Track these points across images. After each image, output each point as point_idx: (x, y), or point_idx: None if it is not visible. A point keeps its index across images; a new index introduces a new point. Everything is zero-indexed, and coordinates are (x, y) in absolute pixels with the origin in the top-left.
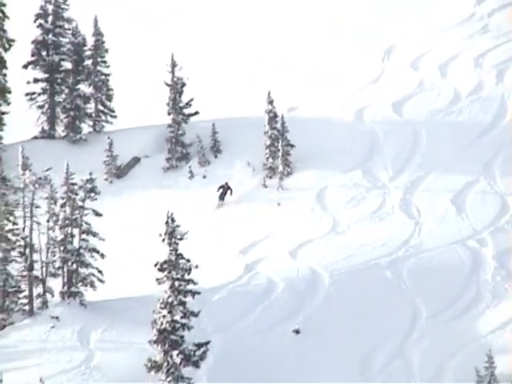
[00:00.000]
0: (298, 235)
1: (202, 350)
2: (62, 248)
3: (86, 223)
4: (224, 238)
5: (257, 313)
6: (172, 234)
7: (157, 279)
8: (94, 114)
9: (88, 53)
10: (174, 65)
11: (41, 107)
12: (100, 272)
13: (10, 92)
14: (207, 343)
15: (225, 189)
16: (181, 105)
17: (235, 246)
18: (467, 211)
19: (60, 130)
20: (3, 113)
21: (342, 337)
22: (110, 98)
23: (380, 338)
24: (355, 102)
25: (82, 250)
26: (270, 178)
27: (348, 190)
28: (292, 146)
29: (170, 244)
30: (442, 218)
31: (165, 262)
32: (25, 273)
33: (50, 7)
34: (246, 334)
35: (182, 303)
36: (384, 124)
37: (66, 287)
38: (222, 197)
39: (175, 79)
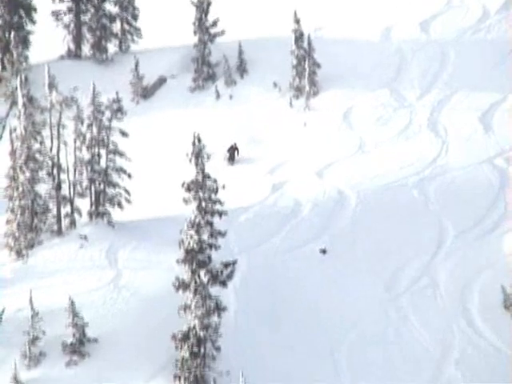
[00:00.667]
0: (325, 155)
1: (230, 269)
2: (89, 168)
3: (113, 143)
4: (251, 159)
5: (283, 233)
6: (199, 155)
7: (184, 199)
8: (119, 34)
9: None
10: None
11: (67, 26)
12: (127, 192)
13: (35, 10)
14: (234, 263)
15: (233, 149)
16: (207, 24)
17: (262, 167)
18: (495, 130)
19: (86, 49)
20: (29, 32)
21: (369, 256)
22: (135, 17)
23: (406, 257)
24: (382, 21)
25: (109, 170)
26: (297, 98)
27: (375, 109)
28: (318, 65)
29: (196, 164)
30: (470, 136)
31: (192, 182)
32: (53, 193)
33: None
34: (273, 253)
35: (209, 223)
36: (411, 43)
37: (93, 207)
38: (231, 157)
39: None
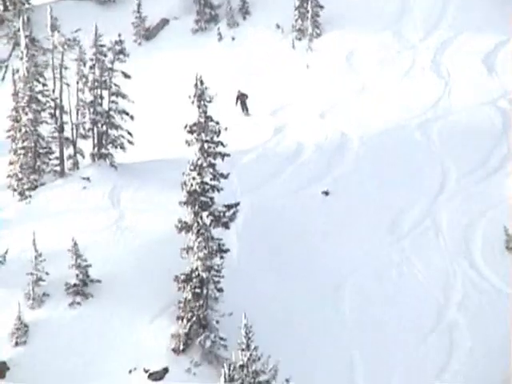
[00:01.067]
0: (327, 97)
1: (232, 211)
2: (91, 110)
3: (115, 85)
4: (253, 101)
5: (286, 175)
6: (201, 97)
7: (186, 141)
8: None
9: None
10: None
11: None
12: (130, 134)
13: None
14: (237, 204)
15: (242, 97)
16: None
17: (264, 108)
18: (498, 72)
19: None
20: None
21: (372, 198)
22: None
23: (409, 200)
24: None
25: (111, 112)
26: (299, 40)
27: (378, 51)
28: (321, 7)
29: (199, 106)
30: (473, 78)
31: (194, 124)
32: (55, 134)
33: None
34: (276, 195)
35: (212, 165)
36: None
37: (96, 149)
38: (244, 107)
39: None
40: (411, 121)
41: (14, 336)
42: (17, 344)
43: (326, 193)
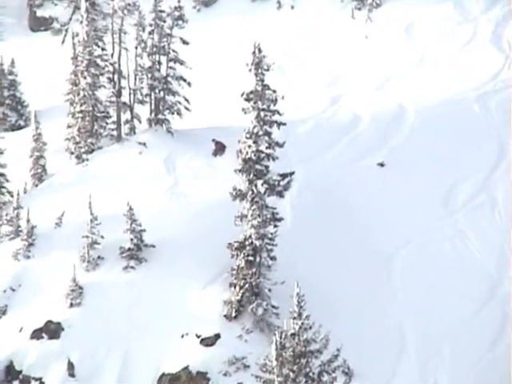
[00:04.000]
0: (385, 69)
1: (287, 180)
2: (149, 75)
3: (174, 51)
4: (310, 71)
5: (341, 145)
6: (259, 65)
7: (242, 109)
8: None
9: None
10: None
11: None
12: (187, 100)
13: None
14: (291, 174)
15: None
16: None
17: (321, 78)
18: None
19: None
20: None
21: (427, 170)
22: None
23: (465, 172)
24: None
25: (169, 78)
26: (359, 10)
27: (437, 22)
28: None
29: (256, 74)
30: None
31: (251, 92)
32: (113, 99)
33: None
34: (331, 165)
35: (268, 133)
36: None
37: (153, 114)
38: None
39: None
40: (469, 93)
41: (69, 297)
42: (71, 305)
43: (382, 164)
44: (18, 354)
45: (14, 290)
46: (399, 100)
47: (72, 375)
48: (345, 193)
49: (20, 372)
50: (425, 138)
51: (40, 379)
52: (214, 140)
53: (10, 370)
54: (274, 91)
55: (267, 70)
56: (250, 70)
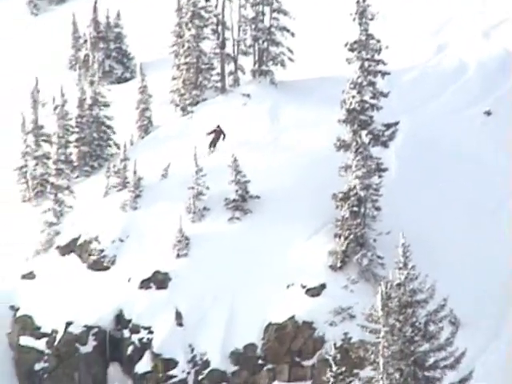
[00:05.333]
0: (492, 15)
1: (391, 130)
2: (253, 26)
3: (277, 1)
4: (415, 19)
5: (447, 94)
6: (363, 14)
7: (347, 59)
8: None
9: None
10: None
11: None
12: (290, 51)
13: None
14: (396, 123)
15: (217, 133)
16: None
17: (426, 26)
18: None
19: None
20: None
21: None
22: None
23: None
24: None
25: (272, 29)
26: None
27: None
28: None
29: (360, 24)
30: None
31: (355, 42)
32: (217, 50)
33: None
34: (436, 114)
35: (372, 83)
36: None
37: (256, 65)
38: (213, 144)
39: None
40: None
41: (176, 248)
42: (178, 256)
43: (488, 113)
44: (128, 303)
45: (122, 241)
46: (507, 46)
47: (180, 324)
48: (450, 142)
49: (130, 321)
50: None
51: (149, 328)
52: (217, 127)
53: (120, 319)
54: (378, 41)
55: (371, 19)
56: (354, 20)
